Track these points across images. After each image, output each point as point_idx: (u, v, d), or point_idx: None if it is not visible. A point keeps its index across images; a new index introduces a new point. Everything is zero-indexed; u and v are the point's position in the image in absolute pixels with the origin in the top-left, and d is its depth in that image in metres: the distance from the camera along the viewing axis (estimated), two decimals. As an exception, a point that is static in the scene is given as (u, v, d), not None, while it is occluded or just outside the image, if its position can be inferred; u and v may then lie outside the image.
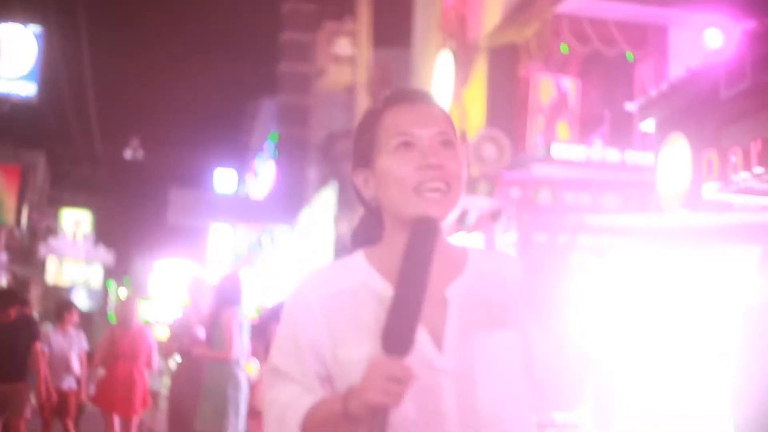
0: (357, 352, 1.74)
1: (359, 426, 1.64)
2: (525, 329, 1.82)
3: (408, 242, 1.70)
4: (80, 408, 9.75)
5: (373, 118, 1.86)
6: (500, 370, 1.78)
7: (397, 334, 1.63)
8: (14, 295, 8.76)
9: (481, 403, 1.74)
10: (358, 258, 1.86)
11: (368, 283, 1.80)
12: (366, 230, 1.92)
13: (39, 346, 8.23)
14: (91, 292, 37.87)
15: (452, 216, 1.82)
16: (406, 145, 1.79)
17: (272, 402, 1.80)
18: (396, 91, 1.90)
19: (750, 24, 7.86)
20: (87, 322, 17.50)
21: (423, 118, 1.81)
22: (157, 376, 10.57)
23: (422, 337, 1.72)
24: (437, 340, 1.75)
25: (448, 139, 1.81)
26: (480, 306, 1.81)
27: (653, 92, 9.32)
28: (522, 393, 1.82)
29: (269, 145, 38.17)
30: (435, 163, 1.77)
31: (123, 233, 41.32)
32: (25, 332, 8.18)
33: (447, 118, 1.85)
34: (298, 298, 1.82)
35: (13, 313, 8.22)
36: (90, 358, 9.80)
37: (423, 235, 1.70)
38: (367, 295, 1.79)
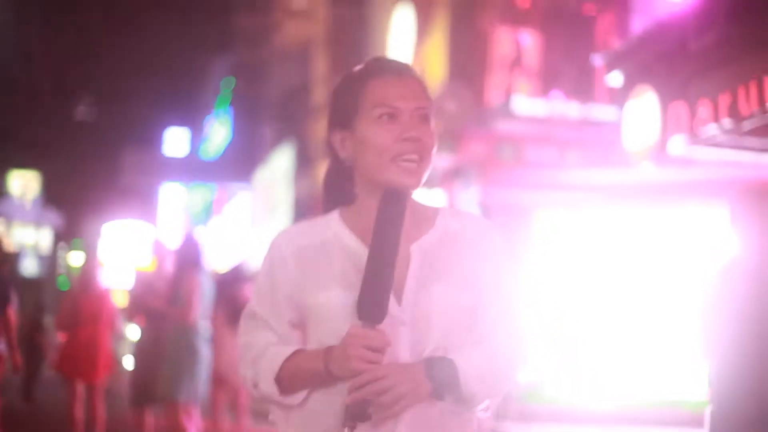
0: (323, 296, 1.92)
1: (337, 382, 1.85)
2: (481, 291, 1.96)
3: (378, 215, 1.87)
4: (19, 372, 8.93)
5: (355, 83, 1.98)
6: (450, 321, 1.92)
7: (371, 305, 1.81)
8: None
9: (430, 350, 1.89)
10: (333, 216, 2.01)
11: (339, 237, 1.97)
12: (335, 184, 2.05)
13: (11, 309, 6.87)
14: (40, 257, 37.27)
15: (422, 184, 1.97)
16: (390, 116, 1.93)
17: (248, 345, 1.97)
18: (381, 60, 2.03)
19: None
20: (36, 287, 17.12)
21: (406, 92, 1.95)
22: (120, 340, 10.25)
23: None
24: (398, 293, 1.90)
25: (426, 113, 1.96)
26: (440, 262, 1.95)
27: (620, 44, 9.19)
28: (463, 346, 1.95)
29: (222, 102, 37.67)
30: (414, 136, 1.92)
31: (73, 195, 40.63)
32: None
33: (426, 93, 2.00)
34: (275, 251, 1.99)
35: None
36: (32, 322, 9.36)
37: (393, 207, 1.87)
38: (336, 247, 1.95)
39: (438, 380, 1.86)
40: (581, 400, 9.20)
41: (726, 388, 4.22)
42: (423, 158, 1.93)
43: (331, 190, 2.06)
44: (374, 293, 1.82)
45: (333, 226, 1.99)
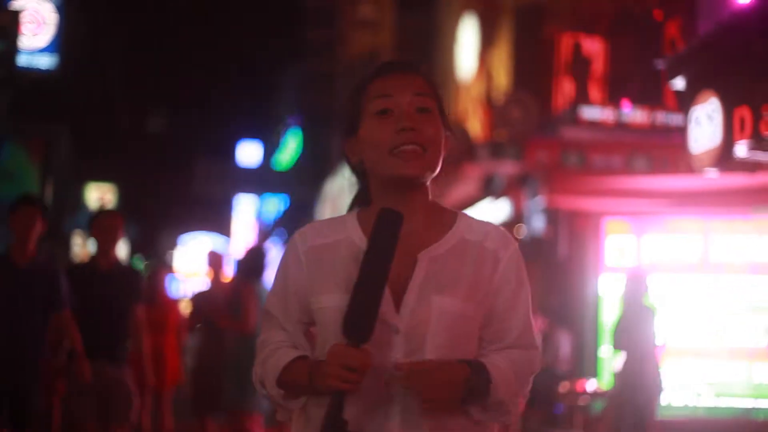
0: (327, 300, 1.89)
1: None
2: (496, 303, 1.91)
3: (372, 234, 1.82)
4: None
5: (358, 90, 1.99)
6: (450, 335, 1.86)
7: (356, 325, 1.76)
8: (120, 221, 5.83)
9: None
10: (351, 215, 2.01)
11: (351, 238, 1.95)
12: (360, 195, 2.06)
13: (140, 310, 5.81)
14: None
15: (431, 176, 1.94)
16: (385, 111, 1.92)
17: (263, 343, 1.98)
18: (382, 63, 2.03)
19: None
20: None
21: (401, 86, 1.93)
22: (187, 349, 10.36)
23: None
24: (397, 300, 1.86)
25: (425, 105, 1.93)
26: (447, 272, 1.90)
27: (683, 48, 9.05)
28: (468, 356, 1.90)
29: (294, 115, 38.00)
30: (409, 126, 1.89)
31: (149, 207, 41.38)
32: (127, 288, 5.64)
33: (430, 88, 1.97)
34: (291, 249, 1.99)
35: (114, 254, 5.70)
36: None
37: (387, 226, 1.81)
38: (346, 249, 1.93)
39: (472, 384, 1.82)
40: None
41: None
42: (425, 148, 1.90)
43: (355, 198, 2.08)
44: (361, 312, 1.77)
45: (349, 225, 1.99)
